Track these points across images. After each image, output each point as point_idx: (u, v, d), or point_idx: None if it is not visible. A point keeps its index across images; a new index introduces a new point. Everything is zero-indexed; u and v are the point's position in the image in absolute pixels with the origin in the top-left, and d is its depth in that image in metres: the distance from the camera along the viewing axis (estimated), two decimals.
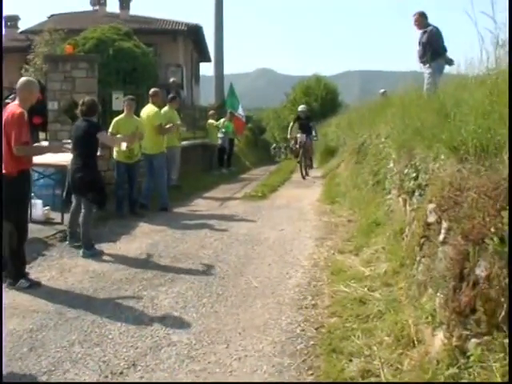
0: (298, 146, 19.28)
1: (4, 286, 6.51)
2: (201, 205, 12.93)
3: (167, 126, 12.19)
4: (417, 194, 6.29)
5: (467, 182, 4.23)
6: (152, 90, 12.34)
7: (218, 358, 4.75)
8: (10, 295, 6.29)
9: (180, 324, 5.51)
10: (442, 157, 5.41)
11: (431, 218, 4.94)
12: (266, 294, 6.34)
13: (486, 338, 3.35)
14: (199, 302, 6.14)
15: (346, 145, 20.03)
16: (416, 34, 11.07)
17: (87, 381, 4.40)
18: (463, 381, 3.39)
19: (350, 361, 4.46)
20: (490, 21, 5.30)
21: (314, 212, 11.55)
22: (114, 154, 11.00)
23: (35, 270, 7.23)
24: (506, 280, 3.23)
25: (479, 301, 3.43)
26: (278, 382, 4.43)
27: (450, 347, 3.64)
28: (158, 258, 8.03)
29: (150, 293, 6.44)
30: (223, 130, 20.91)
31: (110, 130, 10.64)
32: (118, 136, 10.23)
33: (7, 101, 10.15)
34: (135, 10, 33.63)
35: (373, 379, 4.17)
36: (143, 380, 4.42)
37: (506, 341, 3.17)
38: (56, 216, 9.70)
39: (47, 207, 9.79)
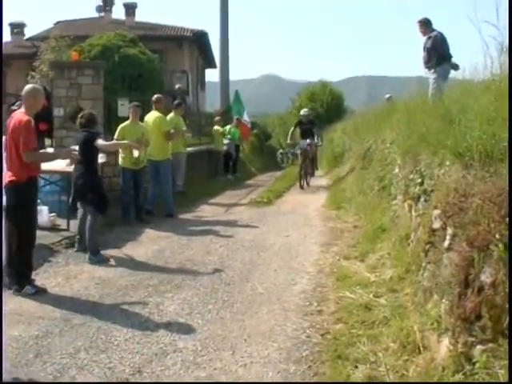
0: (299, 153, 17.98)
1: (8, 292, 6.54)
2: (206, 211, 12.95)
3: (172, 132, 12.24)
4: (422, 199, 6.29)
5: (472, 188, 4.22)
6: (155, 96, 12.37)
7: (223, 364, 4.75)
8: (16, 301, 6.31)
9: (186, 330, 5.51)
10: (447, 163, 5.41)
11: (436, 224, 4.94)
12: (272, 300, 6.34)
13: (491, 344, 3.34)
14: (205, 308, 6.14)
15: (351, 150, 19.99)
16: (421, 39, 11.08)
17: None
18: None
19: (356, 367, 4.45)
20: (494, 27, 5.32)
21: (319, 218, 11.54)
22: (120, 161, 11.03)
23: (41, 277, 7.24)
24: None
25: (484, 307, 3.43)
26: (279, 382, 4.44)
27: (456, 354, 3.64)
28: (163, 264, 8.04)
29: (155, 299, 6.44)
30: (229, 136, 20.95)
31: (115, 136, 10.68)
32: (119, 142, 10.25)
33: (13, 108, 10.20)
34: (141, 16, 33.64)
35: None
36: None
37: None
38: (62, 222, 9.73)
39: (53, 214, 9.82)
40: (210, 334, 5.40)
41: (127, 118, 11.15)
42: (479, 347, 3.43)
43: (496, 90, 5.26)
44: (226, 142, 20.80)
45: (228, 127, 21.39)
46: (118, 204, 10.96)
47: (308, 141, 17.35)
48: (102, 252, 8.31)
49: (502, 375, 3.14)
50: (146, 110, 12.06)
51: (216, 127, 20.73)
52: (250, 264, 7.96)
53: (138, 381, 4.49)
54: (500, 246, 3.41)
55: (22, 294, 6.50)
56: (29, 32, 32.48)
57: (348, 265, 7.44)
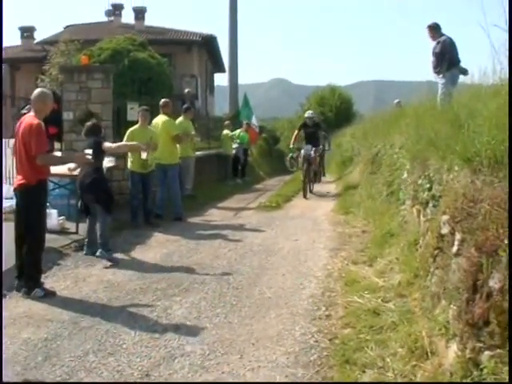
0: (301, 160, 16.45)
1: (18, 294, 6.58)
2: (215, 215, 12.96)
3: (180, 135, 12.29)
4: (431, 204, 6.28)
5: (481, 194, 4.22)
6: (162, 100, 12.40)
7: (231, 368, 4.75)
8: (26, 304, 6.35)
9: (194, 334, 5.51)
10: (456, 168, 5.40)
11: (445, 230, 4.93)
12: (280, 305, 6.34)
13: (499, 350, 3.33)
14: (213, 312, 6.15)
15: (360, 155, 19.96)
16: (430, 44, 11.08)
17: None
18: None
19: (364, 372, 4.46)
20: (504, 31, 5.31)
21: (328, 222, 11.54)
22: (129, 165, 11.07)
23: (50, 280, 7.28)
24: None
25: (492, 313, 3.42)
26: (281, 382, 4.45)
27: (464, 359, 3.63)
28: (172, 267, 8.05)
29: (163, 303, 6.46)
30: (238, 140, 20.99)
31: (124, 140, 10.71)
32: (127, 143, 10.29)
33: (23, 111, 10.26)
34: (150, 20, 33.87)
35: None
36: None
37: None
38: (71, 226, 9.77)
39: (62, 217, 9.86)
40: (217, 337, 5.41)
41: (136, 122, 11.19)
42: (487, 353, 3.42)
43: (505, 94, 5.25)
44: (234, 146, 20.84)
45: (238, 131, 21.45)
46: (127, 207, 11.00)
47: (313, 150, 16.22)
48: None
49: (511, 381, 3.14)
50: (155, 113, 12.09)
51: (225, 131, 20.79)
52: (258, 268, 7.96)
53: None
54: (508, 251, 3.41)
55: (32, 297, 6.53)
56: (39, 36, 32.83)
57: (356, 270, 7.43)
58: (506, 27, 5.17)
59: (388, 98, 30.94)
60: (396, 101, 18.65)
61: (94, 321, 5.87)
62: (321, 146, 17.66)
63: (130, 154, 10.95)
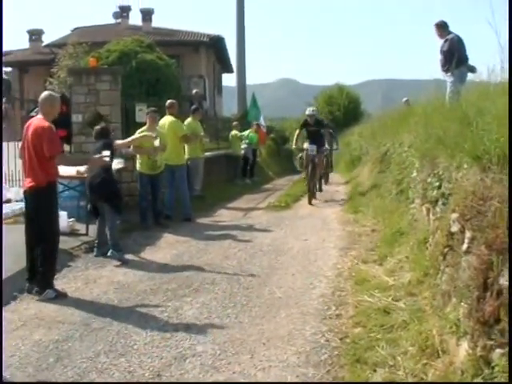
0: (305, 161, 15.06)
1: (28, 296, 6.61)
2: (224, 215, 12.98)
3: (188, 135, 12.34)
4: (440, 203, 6.27)
5: (490, 191, 4.21)
6: (168, 101, 12.44)
7: (242, 368, 4.76)
8: (37, 306, 6.37)
9: (204, 334, 5.52)
10: (465, 166, 5.39)
11: (454, 228, 4.93)
12: (290, 305, 6.34)
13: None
14: (223, 312, 6.16)
15: (368, 154, 19.94)
16: (438, 42, 11.05)
17: None
18: None
19: (375, 371, 4.45)
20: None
21: (337, 222, 11.54)
22: (137, 166, 11.09)
23: (61, 281, 7.29)
24: None
25: (503, 310, 3.41)
26: (292, 382, 4.45)
27: (475, 357, 3.62)
28: (182, 268, 8.07)
29: (174, 303, 6.47)
30: (247, 140, 21.02)
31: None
32: (136, 136, 10.30)
33: (32, 114, 10.31)
34: (157, 22, 33.93)
35: None
36: None
37: None
38: (81, 227, 9.79)
39: (72, 219, 9.88)
40: (228, 337, 5.42)
41: (145, 124, 11.20)
42: (498, 351, 3.41)
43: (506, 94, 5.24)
44: (243, 146, 20.87)
45: (247, 132, 21.49)
46: (136, 209, 11.03)
47: (317, 150, 14.63)
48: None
49: None
50: (163, 115, 12.12)
51: (234, 132, 20.82)
52: (268, 268, 7.97)
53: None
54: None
55: (43, 298, 6.56)
56: (47, 39, 32.86)
57: (366, 269, 7.43)
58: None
59: (396, 97, 30.89)
60: (404, 99, 18.61)
61: (105, 322, 5.89)
62: (326, 146, 16.48)
63: (138, 156, 10.97)
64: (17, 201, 10.33)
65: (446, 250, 5.19)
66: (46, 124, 6.58)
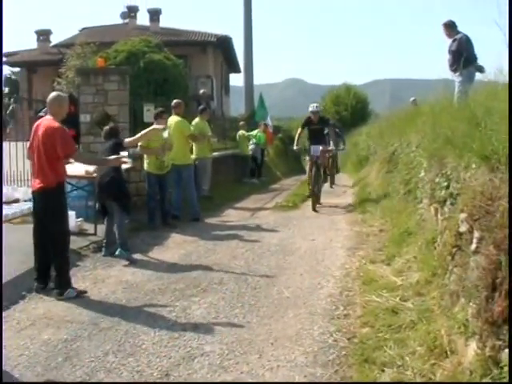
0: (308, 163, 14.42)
1: (37, 295, 6.63)
2: (232, 215, 12.98)
3: (196, 134, 12.38)
4: (448, 203, 6.26)
5: (499, 191, 4.20)
6: (174, 101, 12.43)
7: (250, 368, 4.77)
8: (45, 305, 6.40)
9: (212, 334, 5.53)
10: (474, 166, 5.38)
11: (463, 228, 4.92)
12: (298, 305, 6.34)
13: None
14: (231, 312, 6.17)
15: (376, 154, 19.90)
16: (446, 41, 11.03)
17: None
18: None
19: (383, 371, 4.45)
20: None
21: (345, 221, 11.53)
22: (145, 166, 11.10)
23: None
24: None
25: None
26: (300, 382, 4.45)
27: (483, 357, 3.62)
28: (190, 268, 8.08)
29: (182, 303, 6.48)
30: (254, 140, 21.05)
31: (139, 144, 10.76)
32: (144, 132, 10.31)
33: (41, 114, 10.36)
34: (165, 22, 33.93)
35: None
36: None
37: None
38: (89, 227, 9.81)
39: (80, 218, 9.91)
40: (236, 337, 5.42)
41: (152, 124, 11.21)
42: (507, 351, 3.41)
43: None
44: (251, 146, 20.90)
45: (255, 132, 21.53)
46: (144, 209, 11.05)
47: (321, 147, 13.61)
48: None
49: None
50: (170, 114, 12.14)
51: (241, 132, 20.85)
52: (276, 268, 7.97)
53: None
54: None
55: (65, 298, 6.59)
56: (55, 39, 32.99)
57: (374, 269, 7.42)
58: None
59: (404, 97, 30.86)
60: (412, 99, 18.58)
61: (114, 321, 5.90)
62: (331, 146, 15.41)
63: (146, 156, 10.98)
64: (25, 200, 10.37)
65: (454, 250, 5.18)
66: (56, 124, 6.61)
